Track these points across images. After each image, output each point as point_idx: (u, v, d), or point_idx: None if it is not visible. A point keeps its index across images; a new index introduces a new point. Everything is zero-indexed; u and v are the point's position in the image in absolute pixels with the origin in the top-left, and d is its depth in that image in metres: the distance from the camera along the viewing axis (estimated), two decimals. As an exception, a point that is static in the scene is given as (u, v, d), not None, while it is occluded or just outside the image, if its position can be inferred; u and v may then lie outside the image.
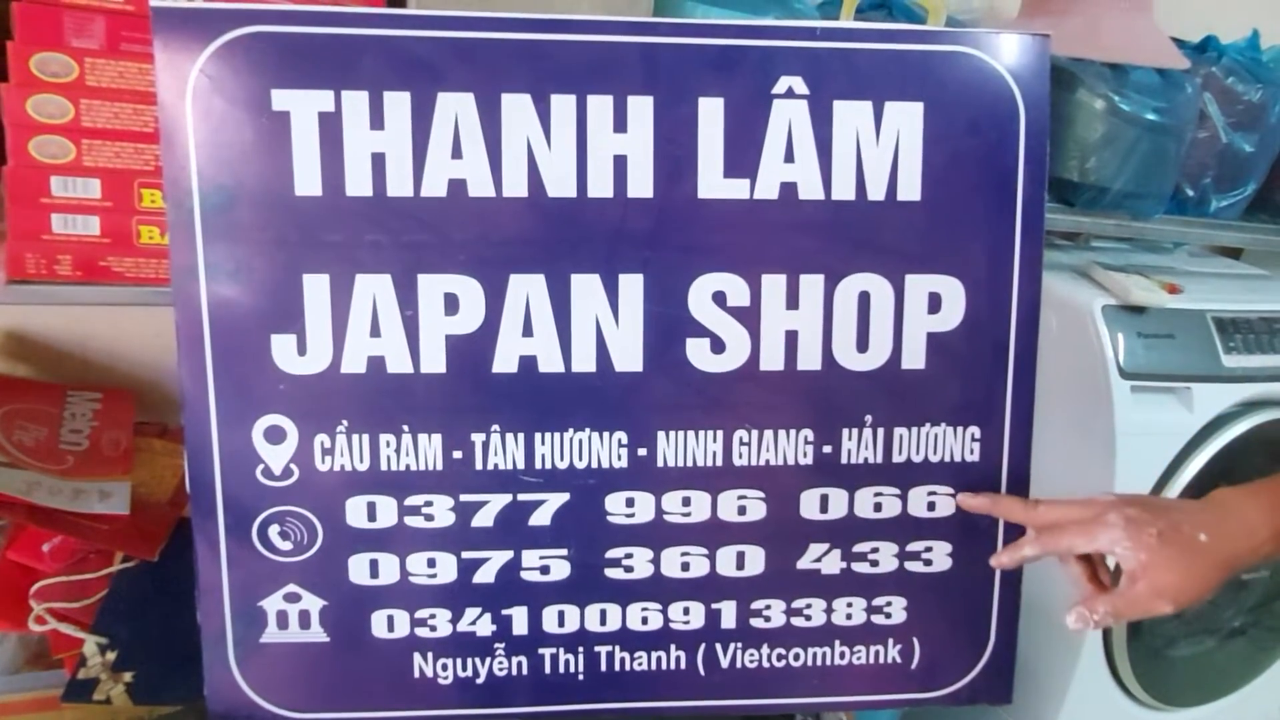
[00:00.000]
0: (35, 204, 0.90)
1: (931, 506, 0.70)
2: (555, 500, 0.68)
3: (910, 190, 0.66)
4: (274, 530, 0.66)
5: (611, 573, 0.69)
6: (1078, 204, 1.35)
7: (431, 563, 0.68)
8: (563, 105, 0.63)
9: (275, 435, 0.65)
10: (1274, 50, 1.49)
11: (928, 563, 0.71)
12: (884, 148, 0.66)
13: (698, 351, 0.67)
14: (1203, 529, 0.61)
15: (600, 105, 0.64)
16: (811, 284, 0.67)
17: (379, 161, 0.63)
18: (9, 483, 1.06)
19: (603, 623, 0.70)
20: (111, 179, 0.90)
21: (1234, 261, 1.66)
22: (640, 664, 0.71)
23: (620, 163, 0.64)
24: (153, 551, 1.15)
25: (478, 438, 0.66)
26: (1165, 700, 1.34)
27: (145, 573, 1.15)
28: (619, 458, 0.67)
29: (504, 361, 0.66)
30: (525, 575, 0.69)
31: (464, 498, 0.67)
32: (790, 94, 0.65)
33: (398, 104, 0.62)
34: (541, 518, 0.68)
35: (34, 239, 0.91)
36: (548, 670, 0.70)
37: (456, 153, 0.63)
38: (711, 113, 0.64)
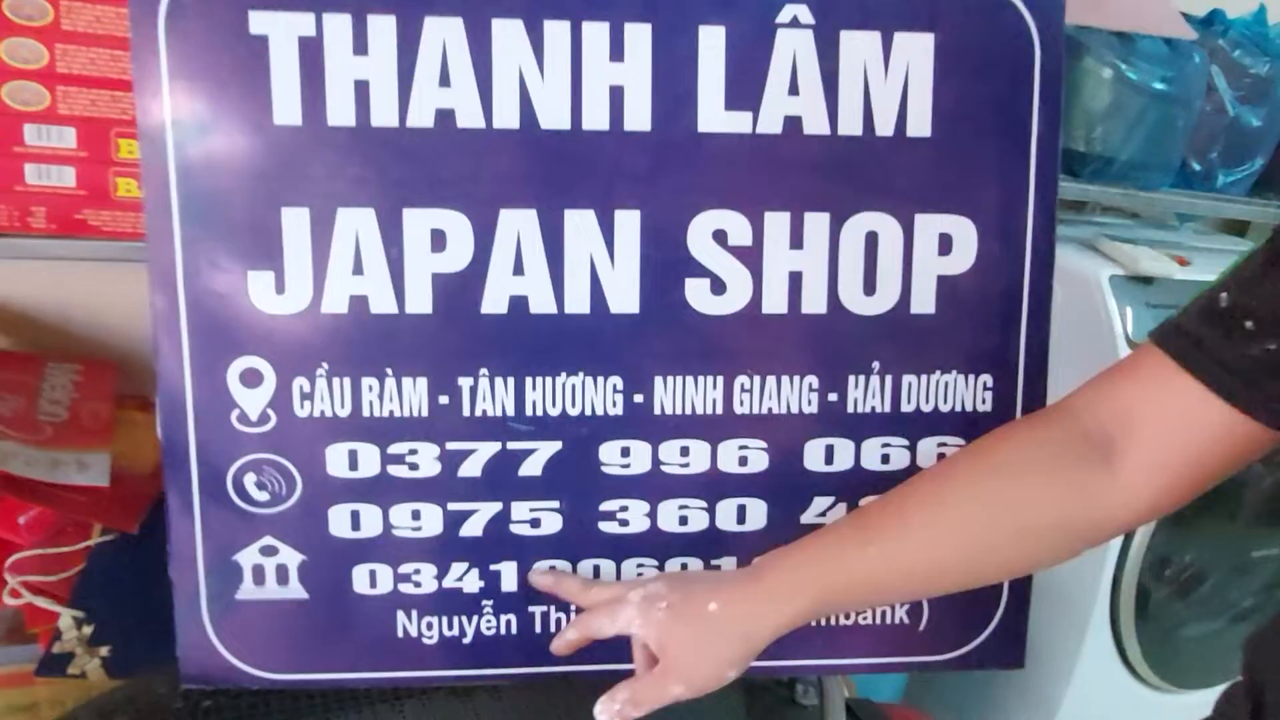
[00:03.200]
0: (8, 153, 0.86)
1: (942, 458, 0.67)
2: (546, 449, 0.64)
3: (920, 126, 0.63)
4: (250, 480, 0.63)
5: (605, 526, 0.66)
6: (1083, 175, 1.33)
7: (416, 515, 0.64)
8: (557, 32, 0.60)
9: (251, 379, 0.62)
10: (1280, 26, 1.46)
11: (937, 519, 0.68)
12: (893, 81, 0.63)
13: (697, 293, 0.64)
14: (716, 598, 0.56)
15: (596, 32, 0.60)
16: (816, 223, 0.63)
17: (362, 89, 0.59)
18: None
19: (596, 579, 0.67)
20: (87, 128, 0.87)
21: (1240, 239, 1.64)
22: (635, 624, 0.67)
23: (617, 94, 0.61)
24: (133, 524, 1.12)
25: (465, 382, 0.63)
26: (1174, 682, 1.32)
27: (124, 546, 1.12)
28: (614, 404, 0.64)
29: (493, 302, 0.62)
30: (515, 528, 0.65)
31: (450, 446, 0.64)
32: (795, 23, 0.62)
33: (382, 28, 0.59)
34: (532, 468, 0.65)
35: (6, 190, 0.87)
36: (538, 629, 0.67)
37: (444, 81, 0.60)
38: (712, 42, 0.61)
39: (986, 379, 0.67)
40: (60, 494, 1.07)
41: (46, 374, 1.26)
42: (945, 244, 0.65)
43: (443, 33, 0.60)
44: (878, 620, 0.70)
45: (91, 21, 0.84)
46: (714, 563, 0.67)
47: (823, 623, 0.69)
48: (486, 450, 0.64)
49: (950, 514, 0.54)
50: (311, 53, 0.59)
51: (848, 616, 0.69)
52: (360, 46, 0.59)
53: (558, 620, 0.67)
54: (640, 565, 0.67)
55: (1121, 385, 0.53)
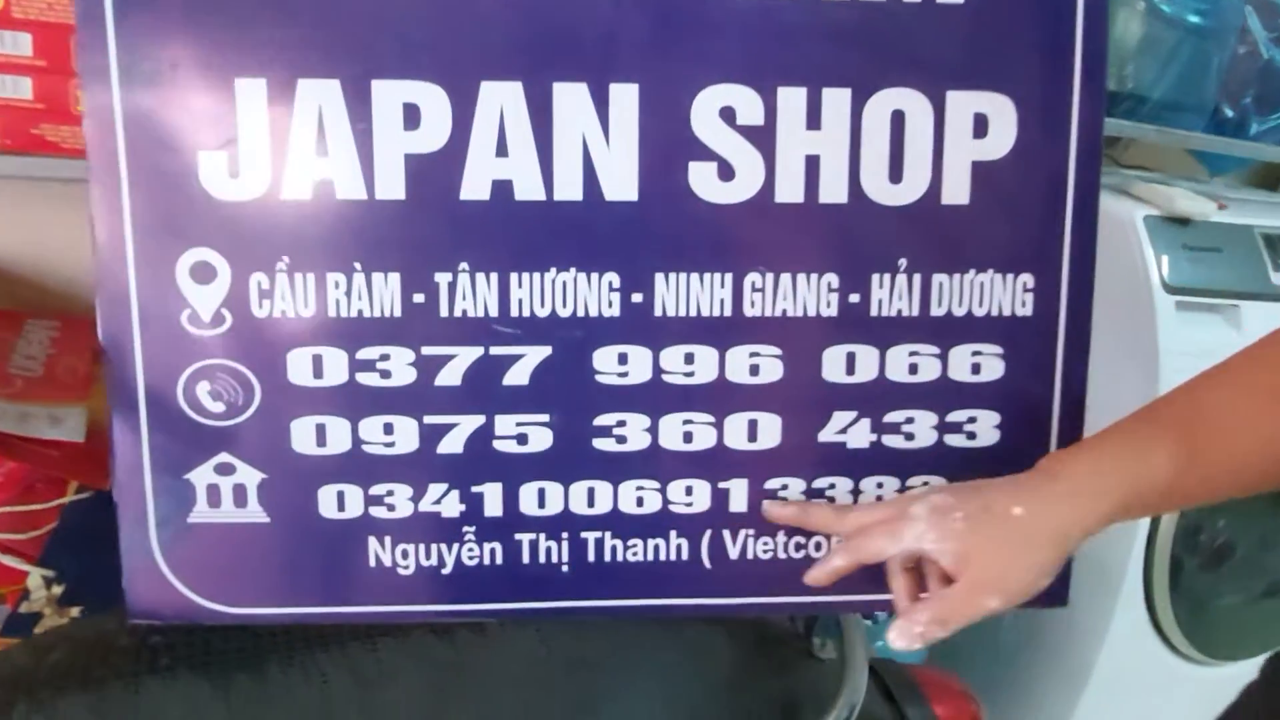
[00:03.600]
0: (-44, 61, 0.80)
1: (976, 369, 0.60)
2: (534, 355, 0.58)
3: (953, -14, 0.56)
4: (203, 389, 0.56)
5: (601, 444, 0.59)
6: (1115, 114, 1.26)
7: (389, 428, 0.58)
8: (540, -126, 0.53)
9: (203, 274, 0.55)
10: (1319, -38, 1.39)
11: (971, 436, 0.61)
12: (921, -65, 0.56)
13: (702, 178, 0.57)
14: (1018, 503, 0.51)
15: (585, -124, 0.54)
16: (836, 100, 0.56)
17: (323, -61, 0.53)
18: None
19: (590, 504, 0.60)
20: (45, 34, 0.81)
21: (1272, 193, 1.57)
22: (635, 554, 0.61)
23: (611, -49, 0.54)
24: (107, 480, 1.06)
25: (443, 278, 0.56)
26: (1209, 652, 1.26)
27: (99, 505, 1.07)
28: (610, 305, 0.57)
29: (473, 187, 0.55)
30: (499, 445, 0.59)
31: (426, 351, 0.57)
32: (811, -128, 0.55)
33: (346, -128, 0.52)
34: (518, 376, 0.58)
35: (-45, 101, 0.81)
36: (526, 560, 0.60)
37: (417, -66, 0.53)
38: (716, -115, 0.55)
39: (1026, 279, 0.60)
40: (32, 448, 1.03)
41: (24, 330, 1.23)
42: (980, 125, 0.58)
43: (415, -120, 0.53)
44: (907, 553, 0.62)
45: (46, -84, 0.78)
46: (722, 485, 0.61)
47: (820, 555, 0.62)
48: (467, 356, 0.57)
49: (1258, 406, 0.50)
50: (267, -99, 0.52)
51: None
52: (320, -111, 0.53)
53: (548, 549, 0.60)
54: (640, 487, 0.60)
55: None
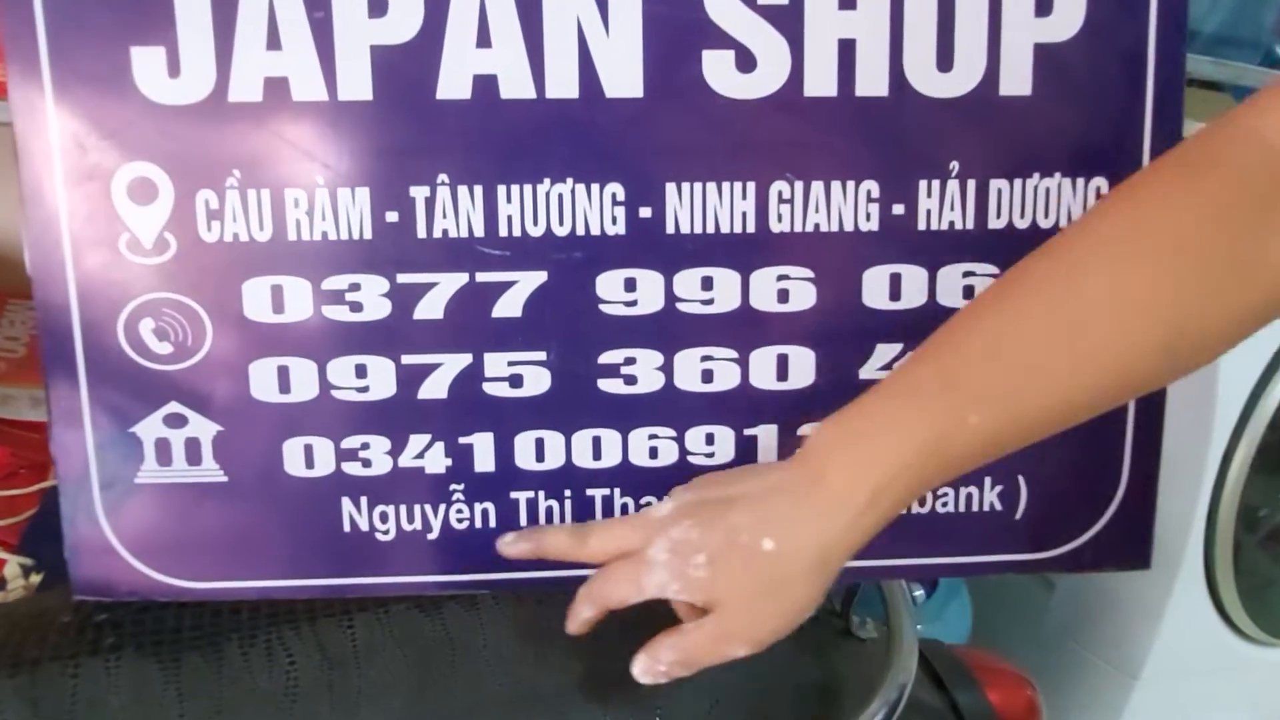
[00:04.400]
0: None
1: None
2: (528, 281, 0.50)
3: None
4: (146, 327, 0.49)
5: (607, 385, 0.51)
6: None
7: (361, 371, 0.50)
8: None
9: (143, 191, 0.48)
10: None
11: (1037, 370, 0.53)
12: None
13: (718, 69, 0.48)
14: (770, 531, 0.42)
15: None
16: (874, -28, 0.48)
17: None
18: None
19: (597, 456, 0.52)
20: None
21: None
22: (649, 513, 0.53)
23: None
24: (87, 463, 1.02)
25: (419, 193, 0.48)
26: (1274, 633, 1.18)
27: (80, 489, 1.01)
28: (613, 221, 0.49)
29: (452, 84, 0.48)
30: (489, 388, 0.51)
31: (402, 279, 0.49)
32: None
33: None
34: (509, 307, 0.50)
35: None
36: (523, 522, 0.52)
37: None
38: None
39: (1101, 183, 0.51)
40: (12, 431, 0.99)
41: (6, 311, 1.20)
42: (1044, 1, 0.49)
43: None
44: (963, 508, 0.54)
45: None
46: (748, 432, 0.52)
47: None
48: (450, 284, 0.49)
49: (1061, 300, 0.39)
50: None
51: (923, 504, 0.54)
52: None
53: (548, 509, 0.52)
54: (653, 435, 0.52)
55: None
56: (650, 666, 0.45)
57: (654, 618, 0.49)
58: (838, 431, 0.43)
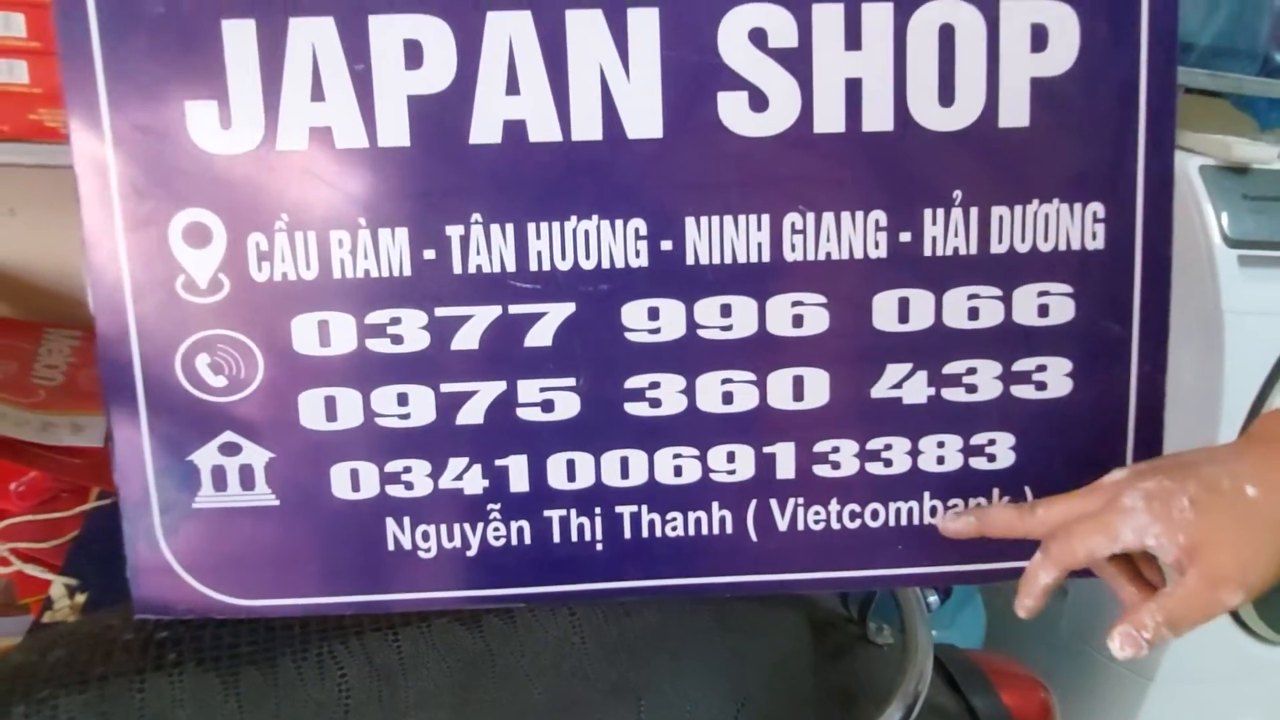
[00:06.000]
0: (-52, 43, 0.77)
1: (1044, 311, 0.54)
2: (557, 313, 0.53)
3: (1003, -117, 0.51)
4: (202, 361, 0.52)
5: (633, 408, 0.54)
6: (1162, 62, 1.18)
7: (403, 399, 0.53)
8: None
9: (198, 236, 0.51)
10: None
11: (1040, 386, 0.55)
12: None
13: (733, 109, 0.52)
14: (1250, 480, 0.44)
15: None
16: (877, 15, 0.51)
17: None
18: None
19: (624, 475, 0.55)
20: (39, 15, 0.78)
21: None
22: (674, 529, 0.55)
23: None
24: (127, 486, 1.05)
25: (454, 232, 0.52)
26: None
27: (119, 511, 1.05)
28: (637, 254, 0.52)
29: (483, 130, 0.51)
30: (522, 414, 0.54)
31: (440, 312, 0.52)
32: None
33: None
34: (540, 337, 0.53)
35: (-52, 87, 0.78)
36: (556, 539, 0.55)
37: None
38: None
39: (1096, 208, 0.54)
40: (54, 457, 1.01)
41: (44, 339, 1.24)
42: (1039, 37, 0.52)
43: None
44: (971, 518, 0.57)
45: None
46: (766, 450, 0.55)
47: (905, 521, 0.56)
48: (484, 316, 0.53)
49: None
50: None
51: (934, 513, 0.57)
52: None
53: (579, 526, 0.55)
54: (677, 455, 0.55)
55: None
56: (1132, 637, 0.45)
57: (675, 634, 0.52)
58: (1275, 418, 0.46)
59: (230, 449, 0.53)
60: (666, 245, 0.52)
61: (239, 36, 0.49)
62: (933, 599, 1.17)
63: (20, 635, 0.93)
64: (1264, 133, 1.50)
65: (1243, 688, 1.20)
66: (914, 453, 0.56)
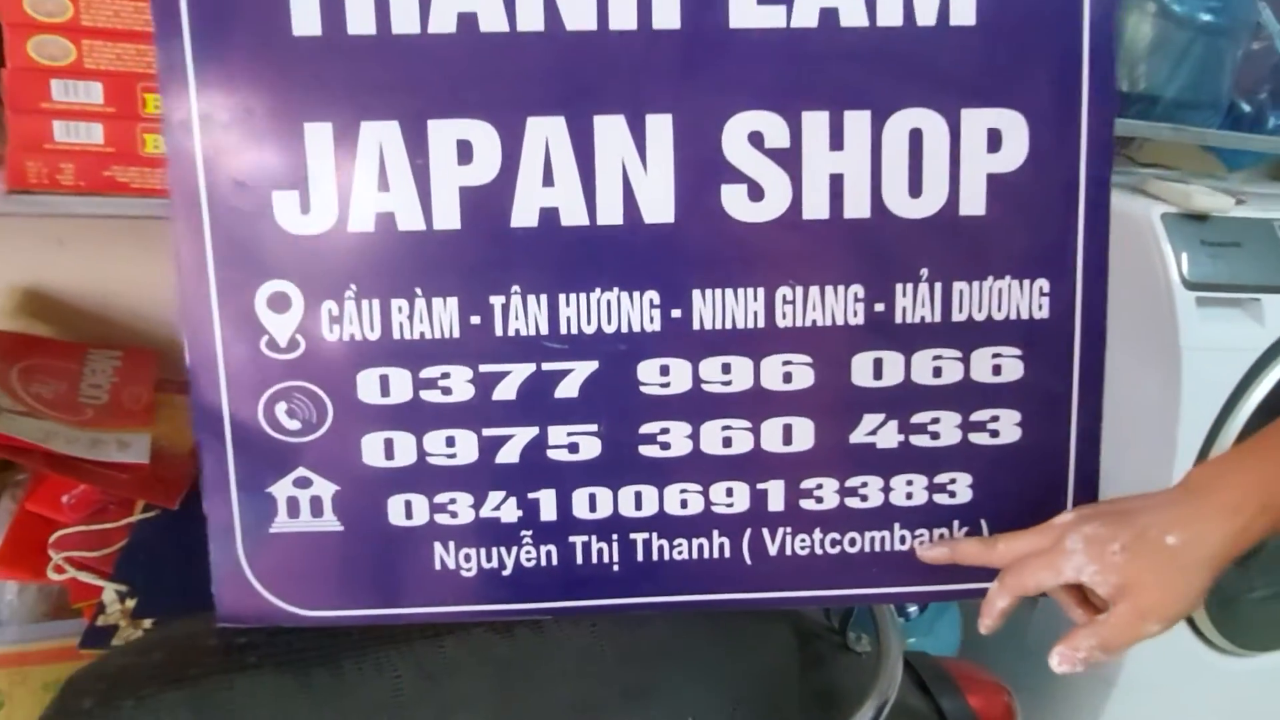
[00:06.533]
0: (35, 110, 0.87)
1: (997, 370, 0.64)
2: (583, 369, 0.62)
3: (964, 13, 0.60)
4: (281, 408, 0.61)
5: (646, 450, 0.64)
6: (1128, 114, 1.28)
7: (450, 441, 0.62)
8: (579, -71, 0.58)
9: (279, 303, 0.60)
10: (1333, -40, 1.41)
11: (994, 434, 0.65)
12: (933, -33, 0.60)
13: (734, 199, 0.61)
14: (1172, 529, 0.54)
15: (619, -73, 0.58)
16: (857, 121, 0.60)
17: (382, -4, 0.58)
18: (26, 430, 1.06)
19: (638, 507, 0.64)
20: (114, 83, 0.87)
21: (1291, 185, 1.58)
22: (680, 553, 0.65)
23: (644, -9, 0.59)
24: (173, 500, 1.13)
25: (497, 300, 0.61)
26: (1241, 644, 1.27)
27: (166, 522, 1.13)
28: (651, 320, 0.62)
29: (523, 215, 0.60)
30: (552, 454, 0.63)
31: (483, 368, 0.62)
32: (827, -90, 0.59)
33: (401, -69, 0.57)
34: (568, 389, 0.62)
35: (35, 147, 0.88)
36: (579, 561, 0.64)
37: (465, -16, 0.58)
38: (742, -66, 0.59)
39: (1043, 283, 0.63)
40: (102, 472, 1.08)
41: (88, 360, 1.30)
42: (994, 140, 0.61)
43: (461, -65, 0.58)
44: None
45: (114, -26, 0.84)
46: (760, 486, 0.65)
47: (878, 548, 0.66)
48: (521, 372, 0.62)
49: None
50: (330, -40, 0.57)
51: (903, 541, 0.66)
52: (379, -48, 0.57)
53: (599, 550, 0.65)
54: (684, 490, 0.64)
55: None
56: (1069, 655, 0.55)
57: (681, 643, 0.61)
58: (1220, 466, 0.56)
59: (303, 482, 0.62)
60: (676, 313, 0.62)
61: (318, 136, 0.59)
62: (913, 609, 1.26)
63: (75, 636, 1.02)
64: (1231, 173, 1.59)
65: (1200, 694, 1.28)
66: (886, 489, 0.65)
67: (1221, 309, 1.14)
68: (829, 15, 0.60)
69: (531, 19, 0.58)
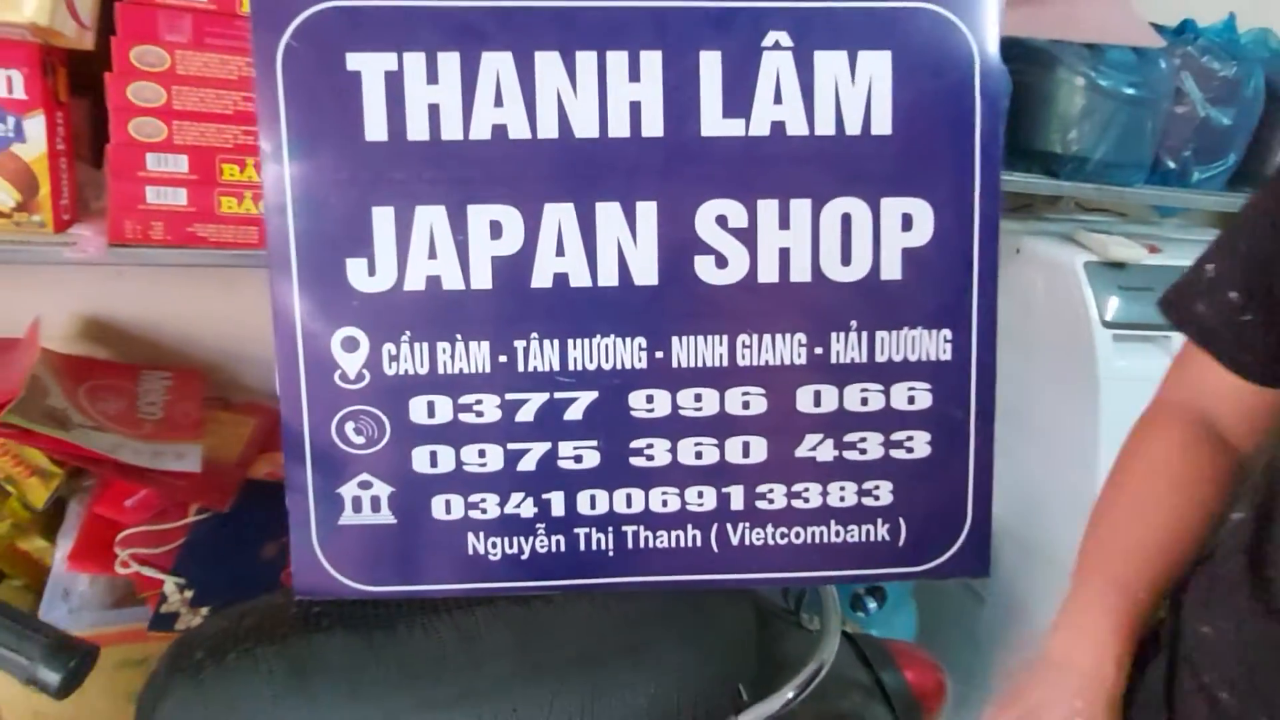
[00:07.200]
0: (133, 177, 1.04)
1: (911, 400, 0.81)
2: (586, 398, 0.79)
3: (882, 125, 0.78)
4: (349, 427, 0.78)
5: (635, 461, 0.81)
6: (1061, 175, 1.46)
7: (482, 453, 0.79)
8: (586, 60, 0.76)
9: (350, 345, 0.77)
10: (1251, 33, 1.59)
11: (910, 450, 0.82)
12: (859, 90, 0.77)
13: (705, 267, 0.78)
14: (1073, 712, 0.60)
15: (617, 60, 0.76)
16: (800, 207, 0.78)
17: (434, 110, 0.75)
18: (99, 443, 1.20)
19: (629, 505, 0.81)
20: (197, 155, 1.05)
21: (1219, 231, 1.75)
22: (662, 542, 0.82)
23: (635, 107, 0.76)
24: (224, 503, 1.29)
25: (519, 344, 0.78)
26: None
27: (217, 523, 1.29)
28: (639, 360, 0.79)
29: (540, 278, 0.77)
30: (561, 464, 0.80)
31: (509, 396, 0.79)
32: (777, 46, 0.77)
33: (449, 62, 0.75)
34: (574, 413, 0.79)
35: (131, 208, 1.05)
36: (582, 548, 0.81)
37: (498, 102, 0.76)
38: (711, 64, 0.76)
39: (946, 333, 0.80)
40: (161, 479, 1.22)
41: (141, 380, 1.44)
42: (907, 221, 0.79)
43: (496, 64, 0.75)
44: (863, 538, 0.83)
45: (200, 66, 1.02)
46: (724, 490, 0.82)
47: (818, 540, 0.83)
48: (537, 399, 0.79)
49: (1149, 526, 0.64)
50: (394, 83, 0.75)
51: (838, 535, 0.83)
52: (432, 77, 0.75)
53: (598, 540, 0.82)
54: (665, 492, 0.81)
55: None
56: None
57: (664, 614, 0.77)
58: (1066, 636, 0.63)
59: (365, 485, 0.79)
60: (659, 354, 0.79)
61: (382, 217, 0.76)
62: (873, 605, 1.43)
63: (141, 623, 1.17)
64: (1164, 219, 1.77)
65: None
66: (824, 493, 0.82)
67: (1136, 344, 1.31)
68: (778, 126, 0.77)
69: (548, 129, 0.76)
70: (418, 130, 0.75)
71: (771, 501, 0.82)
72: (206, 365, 1.55)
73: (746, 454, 0.81)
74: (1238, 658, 0.54)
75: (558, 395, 0.79)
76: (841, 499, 0.82)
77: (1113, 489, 0.67)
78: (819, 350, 0.80)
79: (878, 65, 0.77)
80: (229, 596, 1.11)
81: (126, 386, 1.41)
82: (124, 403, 1.36)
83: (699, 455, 0.81)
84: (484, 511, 0.81)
